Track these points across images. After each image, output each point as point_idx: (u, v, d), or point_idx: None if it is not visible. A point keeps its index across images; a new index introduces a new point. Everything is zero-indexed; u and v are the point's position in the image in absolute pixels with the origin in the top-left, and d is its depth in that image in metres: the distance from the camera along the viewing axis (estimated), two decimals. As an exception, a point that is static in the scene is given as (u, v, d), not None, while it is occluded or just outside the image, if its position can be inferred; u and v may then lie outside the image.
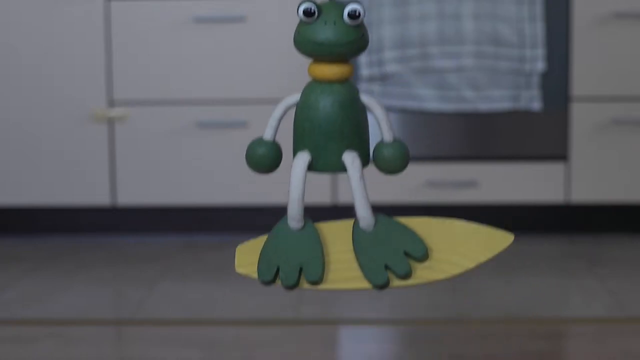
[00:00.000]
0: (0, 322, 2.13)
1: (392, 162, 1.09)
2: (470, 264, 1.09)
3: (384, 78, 2.72)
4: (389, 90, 2.72)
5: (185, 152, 2.77)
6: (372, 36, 2.69)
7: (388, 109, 2.75)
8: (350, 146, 1.07)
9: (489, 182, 2.76)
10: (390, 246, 1.08)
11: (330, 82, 1.07)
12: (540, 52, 2.68)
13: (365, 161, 1.09)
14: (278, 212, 2.73)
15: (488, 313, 2.15)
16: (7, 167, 2.78)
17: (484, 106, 2.72)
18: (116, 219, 2.89)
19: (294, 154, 1.09)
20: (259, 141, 1.10)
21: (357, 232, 1.09)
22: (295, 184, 1.07)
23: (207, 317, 2.15)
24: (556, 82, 2.73)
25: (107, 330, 2.08)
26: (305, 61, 2.43)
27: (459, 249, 1.10)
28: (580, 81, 2.73)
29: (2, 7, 2.74)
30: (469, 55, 2.69)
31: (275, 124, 1.10)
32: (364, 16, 1.05)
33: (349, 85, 1.08)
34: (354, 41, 1.06)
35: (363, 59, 2.70)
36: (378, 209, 3.03)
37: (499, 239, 1.11)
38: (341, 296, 2.22)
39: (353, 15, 1.05)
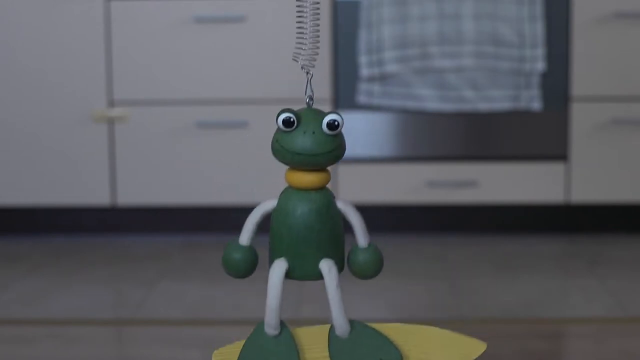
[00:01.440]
0: (0, 322, 2.13)
1: (367, 267, 1.11)
2: None
3: (384, 78, 2.72)
4: (389, 90, 2.72)
5: (185, 152, 2.77)
6: (372, 36, 2.69)
7: (388, 109, 2.75)
8: (326, 254, 1.09)
9: (489, 182, 2.76)
10: (366, 353, 1.10)
11: (307, 189, 1.08)
12: (540, 52, 2.68)
13: (340, 267, 1.11)
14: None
15: (488, 313, 2.15)
16: (7, 167, 2.78)
17: (484, 106, 2.72)
18: (116, 219, 2.89)
19: (270, 258, 1.10)
20: (235, 246, 1.11)
21: (333, 339, 1.11)
22: (272, 292, 1.09)
23: (207, 317, 2.15)
24: (556, 82, 2.73)
25: (107, 330, 2.08)
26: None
27: (434, 356, 1.12)
28: (580, 81, 2.72)
29: (2, 7, 2.74)
30: (469, 55, 2.69)
31: (251, 228, 1.11)
32: (342, 126, 1.06)
33: (325, 193, 1.09)
34: (331, 151, 1.07)
35: (363, 58, 2.70)
36: (378, 209, 3.03)
37: (473, 347, 1.13)
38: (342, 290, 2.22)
39: (332, 125, 1.06)
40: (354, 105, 2.74)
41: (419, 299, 2.26)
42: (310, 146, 1.06)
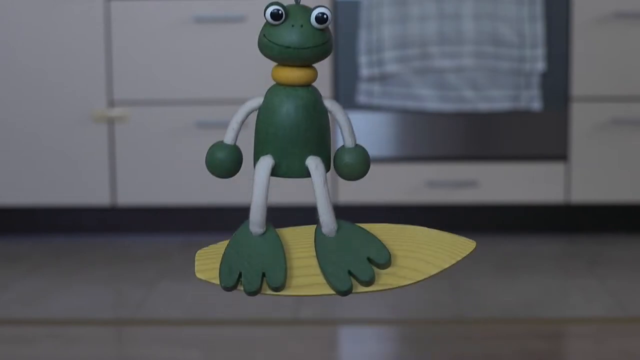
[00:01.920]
0: (0, 322, 2.13)
1: (354, 167, 1.09)
2: (433, 270, 1.10)
3: (384, 78, 2.72)
4: (389, 90, 2.72)
5: (185, 152, 2.77)
6: (372, 36, 2.69)
7: (388, 109, 2.75)
8: (313, 151, 1.07)
9: (489, 182, 2.76)
10: (353, 252, 1.07)
11: (294, 86, 1.07)
12: (540, 52, 2.68)
13: (327, 166, 1.08)
14: (277, 212, 2.73)
15: (488, 313, 2.15)
16: (7, 167, 2.78)
17: (484, 106, 2.72)
18: (116, 219, 2.89)
19: (255, 157, 1.08)
20: (219, 145, 1.10)
21: (319, 238, 1.08)
22: (258, 189, 1.07)
23: (207, 317, 2.15)
24: (556, 82, 2.73)
25: (107, 330, 2.08)
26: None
27: (422, 255, 1.10)
28: (580, 81, 2.73)
29: (2, 7, 2.74)
30: (469, 55, 2.69)
31: (237, 127, 1.10)
32: (331, 20, 1.05)
33: (312, 90, 1.07)
34: (320, 45, 1.05)
35: (363, 58, 2.70)
36: (378, 209, 3.03)
37: (462, 245, 1.12)
38: (340, 296, 2.22)
39: (321, 18, 1.05)
40: (354, 105, 2.74)
41: (419, 299, 2.26)
42: (299, 39, 1.04)
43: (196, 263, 1.10)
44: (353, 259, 1.07)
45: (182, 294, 2.32)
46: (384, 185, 2.76)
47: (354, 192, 2.75)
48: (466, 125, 2.76)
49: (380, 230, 1.10)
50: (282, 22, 1.05)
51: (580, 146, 2.74)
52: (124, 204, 2.80)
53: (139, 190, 2.79)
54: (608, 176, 2.75)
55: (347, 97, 2.74)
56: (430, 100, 2.72)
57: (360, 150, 1.09)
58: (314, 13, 1.04)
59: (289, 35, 1.04)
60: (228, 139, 1.10)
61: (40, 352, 1.93)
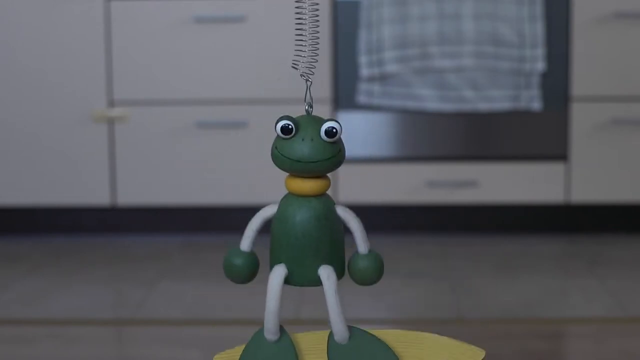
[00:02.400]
0: (0, 322, 2.13)
1: (367, 274, 1.12)
2: None
3: (384, 78, 2.72)
4: (389, 90, 2.72)
5: (185, 152, 2.77)
6: (372, 36, 2.69)
7: (388, 109, 2.75)
8: (326, 260, 1.09)
9: (489, 182, 2.76)
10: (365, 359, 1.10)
11: (307, 196, 1.08)
12: (540, 52, 2.68)
13: (340, 273, 1.11)
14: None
15: (488, 313, 2.15)
16: (7, 167, 2.78)
17: (484, 106, 2.72)
18: (116, 219, 2.88)
19: (271, 264, 1.11)
20: (236, 252, 1.12)
21: (332, 345, 1.11)
22: (271, 297, 1.09)
23: (207, 317, 2.15)
24: (556, 82, 2.73)
25: (107, 330, 2.08)
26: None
27: None
28: (580, 81, 2.72)
29: (2, 7, 2.74)
30: (469, 55, 2.69)
31: (252, 234, 1.11)
32: (341, 134, 1.06)
33: (325, 199, 1.09)
34: (330, 158, 1.07)
35: (363, 58, 2.70)
36: (378, 209, 3.03)
37: (471, 354, 1.13)
38: (341, 296, 2.22)
39: (330, 132, 1.06)
40: (354, 105, 2.74)
41: (419, 299, 2.26)
42: (309, 153, 1.06)
43: None
44: None
45: (182, 294, 2.32)
46: (384, 185, 2.76)
47: (354, 192, 2.75)
48: (466, 125, 2.76)
49: (391, 337, 1.14)
50: (293, 136, 1.06)
51: (580, 146, 2.74)
52: (124, 204, 2.80)
53: (139, 190, 2.79)
54: (608, 176, 2.75)
55: (347, 97, 2.74)
56: (430, 100, 2.72)
57: (373, 256, 1.11)
58: (324, 127, 1.06)
59: (300, 150, 1.06)
60: (244, 246, 1.12)
61: (40, 352, 1.93)
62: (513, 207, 2.84)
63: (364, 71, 2.70)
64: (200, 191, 2.78)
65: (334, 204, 1.10)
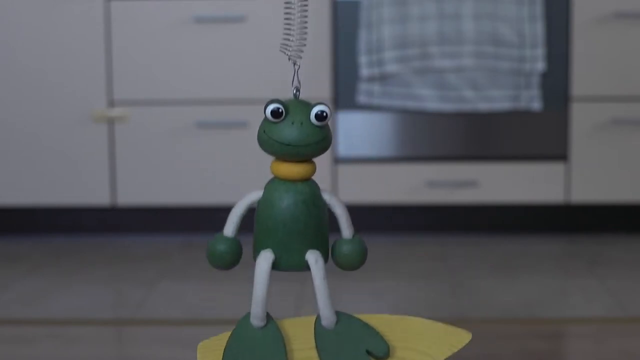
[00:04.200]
0: (0, 322, 2.13)
1: (351, 258, 1.11)
2: None
3: (384, 78, 2.72)
4: (389, 90, 2.72)
5: (185, 152, 2.77)
6: (372, 36, 2.69)
7: (388, 109, 2.75)
8: (312, 245, 1.09)
9: (489, 182, 2.76)
10: (352, 345, 1.10)
11: (293, 180, 1.08)
12: (540, 52, 2.68)
13: (325, 258, 1.10)
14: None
15: (488, 313, 2.15)
16: (7, 167, 2.78)
17: (484, 106, 2.72)
18: (116, 219, 2.89)
19: (255, 249, 1.10)
20: (220, 237, 1.11)
21: (319, 330, 1.11)
22: (258, 283, 1.09)
23: (207, 317, 2.15)
24: (556, 82, 2.73)
25: (107, 330, 2.08)
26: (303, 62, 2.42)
27: (420, 346, 1.13)
28: (580, 81, 2.72)
29: (2, 7, 2.74)
30: (469, 55, 2.69)
31: (236, 220, 1.11)
32: (330, 117, 1.06)
33: (311, 184, 1.09)
34: (319, 141, 1.07)
35: (363, 58, 2.70)
36: (378, 209, 3.02)
37: (458, 337, 1.14)
38: (341, 296, 2.22)
39: (320, 116, 1.06)
40: (354, 105, 2.74)
41: (419, 299, 2.26)
42: (299, 137, 1.06)
43: (198, 356, 1.12)
44: (352, 352, 1.09)
45: (182, 294, 2.32)
46: (384, 185, 2.76)
47: (354, 192, 2.75)
48: (466, 125, 2.76)
49: (377, 321, 1.13)
50: (282, 120, 1.06)
51: (580, 146, 2.74)
52: (124, 204, 2.80)
53: (139, 190, 2.79)
54: (608, 176, 2.75)
55: (347, 97, 2.74)
56: (430, 100, 2.72)
57: (357, 240, 1.11)
58: (314, 111, 1.06)
59: (289, 133, 1.06)
60: (228, 231, 1.12)
61: (40, 352, 1.93)
62: (513, 207, 2.84)
63: (364, 71, 2.70)
64: (200, 191, 2.78)
65: (319, 189, 1.09)
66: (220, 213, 2.86)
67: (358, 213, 2.79)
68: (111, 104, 2.76)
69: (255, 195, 1.10)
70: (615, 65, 2.72)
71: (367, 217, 2.81)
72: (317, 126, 1.06)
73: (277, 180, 1.09)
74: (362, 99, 2.73)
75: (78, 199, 2.79)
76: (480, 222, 2.86)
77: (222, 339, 1.12)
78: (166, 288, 2.37)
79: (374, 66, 2.70)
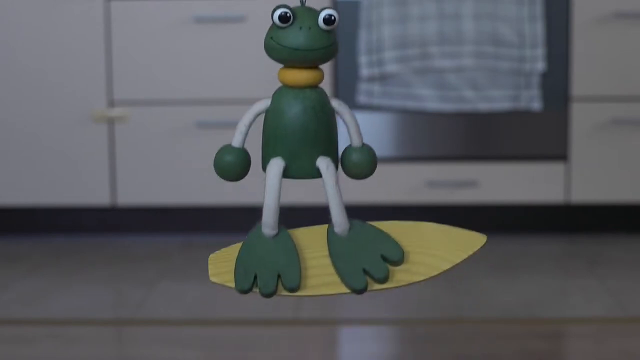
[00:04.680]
0: (0, 322, 2.13)
1: (361, 166, 1.09)
2: (446, 265, 1.10)
3: (384, 78, 2.72)
4: (389, 90, 2.72)
5: (185, 152, 2.77)
6: (372, 36, 2.69)
7: (388, 109, 2.75)
8: (322, 151, 1.07)
9: (489, 182, 2.76)
10: (366, 250, 1.08)
11: (301, 87, 1.07)
12: (540, 52, 2.68)
13: (335, 165, 1.09)
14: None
15: (488, 313, 2.15)
16: (7, 167, 2.78)
17: (484, 106, 2.72)
18: (116, 219, 2.89)
19: (264, 159, 1.09)
20: (227, 148, 1.10)
21: (332, 238, 1.09)
22: (270, 191, 1.07)
23: (207, 317, 2.15)
24: (556, 82, 2.73)
25: (107, 330, 2.08)
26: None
27: (434, 251, 1.10)
28: (580, 81, 2.73)
29: (2, 7, 2.74)
30: (469, 55, 2.69)
31: (244, 129, 1.10)
32: (338, 22, 1.05)
33: (319, 91, 1.08)
34: (327, 46, 1.06)
35: (363, 58, 2.70)
36: (378, 209, 3.03)
37: (473, 240, 1.12)
38: (341, 296, 2.22)
39: (329, 20, 1.05)
40: (354, 105, 2.74)
41: (419, 299, 2.26)
42: (307, 41, 1.05)
43: (209, 267, 1.10)
44: (367, 257, 1.07)
45: (182, 294, 2.32)
46: (384, 185, 2.76)
47: (354, 192, 2.75)
48: (466, 125, 2.76)
49: (391, 227, 1.11)
50: (290, 25, 1.05)
51: (580, 146, 2.74)
52: (124, 204, 2.80)
53: (139, 190, 2.79)
54: (608, 176, 2.75)
55: (347, 97, 2.74)
56: (430, 100, 2.72)
57: (367, 149, 1.09)
58: (322, 15, 1.05)
59: (297, 38, 1.05)
60: (236, 142, 1.10)
61: (40, 352, 1.93)
62: (513, 207, 2.85)
63: (364, 71, 2.70)
64: (200, 191, 2.78)
65: (327, 96, 1.09)
66: (221, 213, 2.86)
67: (358, 213, 2.79)
68: (111, 104, 2.76)
69: (263, 104, 1.09)
70: (615, 65, 2.72)
71: (367, 217, 2.80)
72: (325, 31, 1.05)
73: (285, 88, 1.08)
74: (362, 99, 2.73)
75: (78, 199, 2.79)
76: (480, 222, 2.86)
77: (233, 249, 1.09)
78: (166, 288, 2.37)
79: (374, 66, 2.70)
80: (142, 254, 2.69)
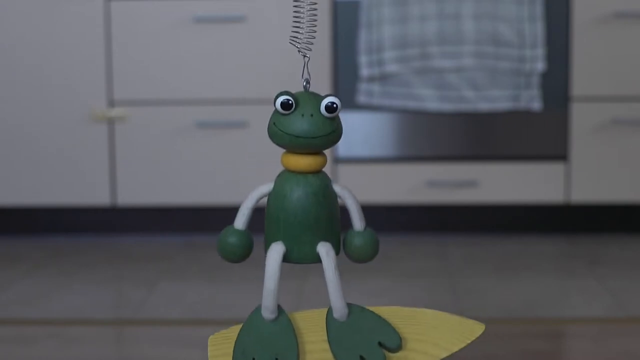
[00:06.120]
0: (0, 322, 2.13)
1: (363, 250, 1.11)
2: (443, 353, 1.11)
3: (384, 78, 2.72)
4: (389, 90, 2.72)
5: (185, 152, 2.77)
6: (372, 36, 2.69)
7: (388, 109, 2.75)
8: (323, 237, 1.08)
9: (489, 182, 2.76)
10: (364, 336, 1.09)
11: (304, 173, 1.08)
12: (540, 52, 2.68)
13: (336, 250, 1.10)
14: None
15: (488, 313, 2.15)
16: (7, 167, 2.78)
17: (484, 106, 2.72)
18: (116, 219, 2.89)
19: (267, 241, 1.09)
20: (230, 230, 1.11)
21: (331, 322, 1.10)
22: (270, 276, 1.08)
23: (207, 317, 2.15)
24: (556, 82, 2.73)
25: (107, 330, 2.08)
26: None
27: (432, 338, 1.11)
28: (580, 81, 2.73)
29: (2, 7, 2.74)
30: (469, 55, 2.69)
31: (247, 212, 1.11)
32: (340, 109, 1.06)
33: (322, 176, 1.09)
34: (330, 133, 1.06)
35: (363, 58, 2.70)
36: (378, 209, 3.03)
37: (471, 328, 1.13)
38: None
39: (331, 108, 1.06)
40: (354, 105, 2.74)
41: (419, 299, 2.26)
42: (309, 129, 1.06)
43: (209, 348, 1.12)
44: (364, 344, 1.09)
45: (182, 294, 2.32)
46: (384, 185, 2.77)
47: (354, 192, 2.75)
48: (466, 125, 2.76)
49: (389, 313, 1.12)
50: (292, 111, 1.06)
51: (580, 146, 2.74)
52: (124, 204, 2.80)
53: (139, 190, 2.79)
54: (608, 176, 2.75)
55: (347, 97, 2.74)
56: (430, 100, 2.72)
57: (368, 233, 1.10)
58: (324, 102, 1.05)
59: (300, 125, 1.06)
60: (238, 224, 1.11)
61: (40, 352, 1.93)
62: (513, 207, 2.85)
63: (364, 71, 2.70)
64: (200, 191, 2.78)
65: (330, 180, 1.09)
66: (221, 213, 2.86)
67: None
68: (111, 104, 2.76)
69: (266, 187, 1.10)
70: (615, 65, 2.72)
71: (368, 217, 2.81)
72: (327, 118, 1.06)
73: (287, 173, 1.09)
74: (362, 99, 2.73)
75: (78, 199, 2.79)
76: (480, 222, 2.86)
77: (233, 331, 1.11)
78: (166, 288, 2.37)
79: (374, 66, 2.70)
80: (142, 254, 2.69)
